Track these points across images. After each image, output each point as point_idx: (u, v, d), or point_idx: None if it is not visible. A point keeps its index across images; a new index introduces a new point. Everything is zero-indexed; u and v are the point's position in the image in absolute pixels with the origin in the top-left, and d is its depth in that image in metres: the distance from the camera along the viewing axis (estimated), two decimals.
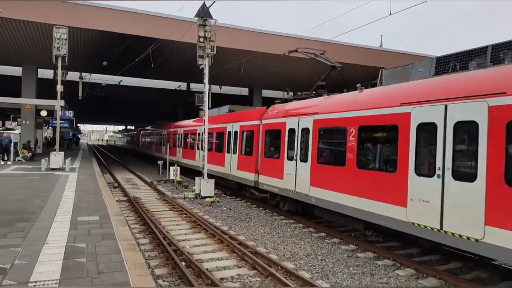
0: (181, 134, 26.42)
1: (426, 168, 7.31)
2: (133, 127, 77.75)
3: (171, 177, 20.96)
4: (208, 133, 18.04)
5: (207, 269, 7.22)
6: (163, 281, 6.83)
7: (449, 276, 7.28)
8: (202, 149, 19.11)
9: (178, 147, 26.91)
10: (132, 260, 5.88)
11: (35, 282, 4.89)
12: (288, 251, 8.98)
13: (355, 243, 9.67)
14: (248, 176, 14.74)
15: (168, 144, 28.31)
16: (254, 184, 14.26)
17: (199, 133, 21.49)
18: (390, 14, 15.51)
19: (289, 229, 11.13)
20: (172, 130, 29.62)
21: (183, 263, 7.44)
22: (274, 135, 13.26)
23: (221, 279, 6.97)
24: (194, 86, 37.42)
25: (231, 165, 16.59)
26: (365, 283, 7.14)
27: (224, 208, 14.12)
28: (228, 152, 17.06)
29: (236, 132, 16.41)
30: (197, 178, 16.35)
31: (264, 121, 14.07)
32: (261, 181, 13.80)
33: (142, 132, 44.99)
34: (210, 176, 17.33)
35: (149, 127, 41.47)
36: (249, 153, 14.91)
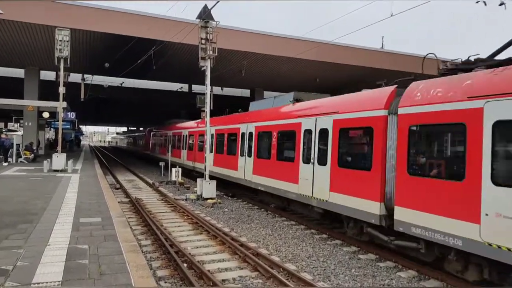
0: (212, 135, 19.90)
1: None
2: (134, 128, 77.75)
3: (173, 178, 20.97)
4: (261, 133, 14.32)
5: (208, 271, 7.22)
6: (165, 282, 6.84)
7: (451, 279, 7.26)
8: (248, 155, 15.14)
9: (208, 151, 20.51)
10: (134, 262, 5.89)
11: (38, 283, 4.91)
12: (290, 252, 8.98)
13: (356, 245, 9.65)
14: (362, 206, 8.74)
15: (190, 148, 23.88)
16: (379, 221, 8.27)
17: (243, 133, 16.02)
18: (391, 15, 15.50)
19: (290, 231, 11.13)
20: (196, 130, 23.30)
21: (185, 265, 7.45)
22: (438, 134, 7.51)
23: (223, 280, 6.98)
24: (196, 88, 37.53)
25: (314, 184, 10.66)
26: (367, 285, 7.13)
27: (226, 210, 14.13)
28: (307, 162, 11.08)
29: (323, 131, 10.45)
30: (198, 180, 16.35)
31: (403, 110, 7.87)
32: (402, 218, 7.62)
33: (153, 133, 39.09)
34: (275, 197, 13.51)
35: (163, 127, 35.11)
36: (362, 166, 9.01)
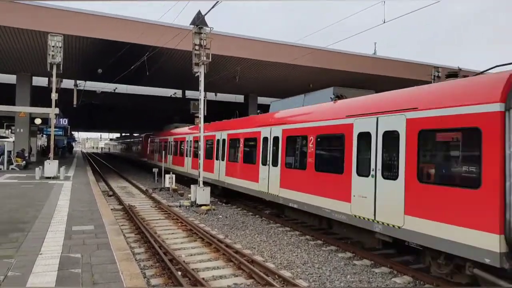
0: (224, 140, 17.41)
1: None
2: (128, 134, 77.26)
3: (167, 185, 20.84)
4: (291, 138, 11.98)
5: (203, 279, 7.16)
6: None
7: (446, 284, 7.27)
8: (273, 165, 12.73)
9: (219, 159, 17.77)
10: (127, 270, 5.81)
11: None
12: (285, 259, 8.94)
13: (351, 250, 9.64)
14: (465, 238, 6.34)
15: (195, 155, 20.34)
16: (499, 261, 5.86)
17: (265, 138, 13.60)
18: (384, 22, 15.62)
19: (285, 237, 11.09)
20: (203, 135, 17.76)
21: (179, 273, 7.37)
22: None
23: None
24: (189, 93, 37.50)
25: (376, 203, 8.22)
26: None
27: (220, 216, 14.05)
28: (365, 174, 8.66)
29: (390, 134, 8.11)
30: (192, 186, 16.25)
31: None
32: None
33: (151, 138, 35.86)
34: (310, 216, 11.30)
35: (162, 132, 32.03)
36: (462, 183, 6.61)
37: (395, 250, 9.58)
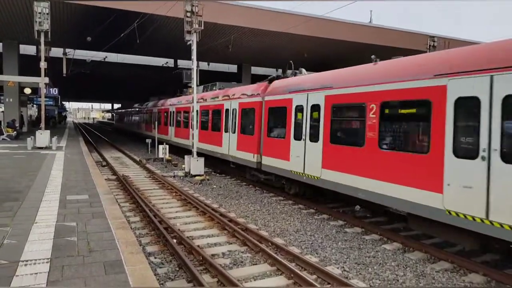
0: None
1: None
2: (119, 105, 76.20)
3: (160, 155, 20.84)
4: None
5: (198, 246, 7.29)
6: (155, 258, 6.89)
7: (435, 250, 7.50)
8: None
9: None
10: (123, 238, 5.89)
11: (26, 261, 4.88)
12: (278, 227, 9.12)
13: (343, 219, 9.85)
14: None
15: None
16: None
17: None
18: None
19: (279, 206, 11.27)
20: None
21: (175, 240, 7.50)
22: None
23: (212, 255, 7.07)
24: (182, 63, 36.80)
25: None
26: (353, 257, 7.31)
27: (214, 186, 14.17)
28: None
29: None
30: (186, 157, 16.28)
31: None
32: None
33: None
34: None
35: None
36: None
37: (385, 218, 9.82)
